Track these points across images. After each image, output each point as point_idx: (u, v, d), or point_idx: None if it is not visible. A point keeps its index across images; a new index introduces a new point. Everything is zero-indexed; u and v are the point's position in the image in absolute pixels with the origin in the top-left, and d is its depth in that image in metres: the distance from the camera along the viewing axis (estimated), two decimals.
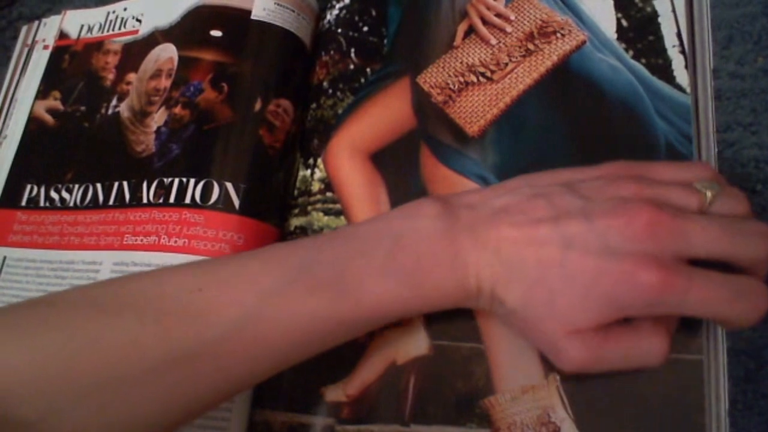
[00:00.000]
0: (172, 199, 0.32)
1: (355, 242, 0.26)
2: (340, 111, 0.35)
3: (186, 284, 0.24)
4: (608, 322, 0.24)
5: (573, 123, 0.32)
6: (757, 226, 0.24)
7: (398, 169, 0.33)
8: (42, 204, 0.36)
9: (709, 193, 0.24)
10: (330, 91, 0.36)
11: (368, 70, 0.36)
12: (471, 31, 0.35)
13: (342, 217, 0.33)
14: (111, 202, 0.34)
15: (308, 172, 0.34)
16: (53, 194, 0.36)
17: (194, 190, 0.31)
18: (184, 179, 0.32)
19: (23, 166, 0.38)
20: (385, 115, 0.34)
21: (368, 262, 0.25)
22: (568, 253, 0.23)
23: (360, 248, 0.25)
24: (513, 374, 0.28)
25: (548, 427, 0.27)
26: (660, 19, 0.33)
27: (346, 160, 0.34)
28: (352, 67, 0.36)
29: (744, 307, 0.23)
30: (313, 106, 0.36)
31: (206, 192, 0.31)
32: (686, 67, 0.31)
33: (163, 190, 0.32)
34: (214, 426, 0.29)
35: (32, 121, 0.39)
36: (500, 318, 0.27)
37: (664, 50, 0.32)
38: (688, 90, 0.31)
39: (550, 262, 0.24)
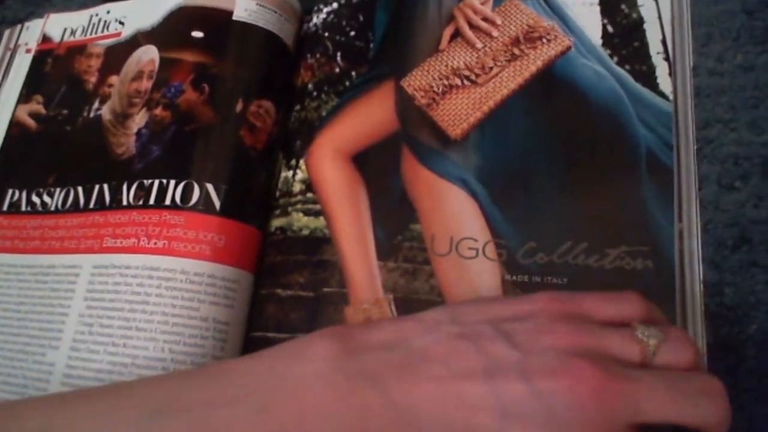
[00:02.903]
0: (152, 201, 0.31)
1: (225, 384, 0.21)
2: (324, 113, 0.35)
3: (31, 424, 0.21)
4: None
5: (556, 128, 0.32)
6: (705, 384, 0.22)
7: (380, 171, 0.33)
8: (23, 209, 0.36)
9: (652, 343, 0.22)
10: (315, 93, 0.36)
11: (353, 73, 0.36)
12: (457, 34, 0.35)
13: (321, 218, 0.33)
14: (92, 205, 0.33)
15: (290, 173, 0.34)
16: (35, 198, 0.36)
17: (174, 191, 0.31)
18: (164, 181, 0.32)
19: (5, 172, 0.38)
20: (368, 117, 0.34)
21: (234, 414, 0.20)
22: (507, 425, 0.20)
23: (229, 394, 0.21)
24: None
25: None
26: (645, 26, 0.33)
27: (327, 161, 0.34)
28: (337, 70, 0.36)
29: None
30: (297, 107, 0.36)
31: (186, 193, 0.31)
32: (670, 74, 0.32)
33: (144, 191, 0.32)
34: None
35: (14, 125, 0.39)
36: None
37: (649, 57, 0.32)
38: (671, 97, 0.31)
39: None
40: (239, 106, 0.33)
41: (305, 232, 0.33)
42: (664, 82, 0.31)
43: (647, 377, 0.21)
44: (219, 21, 0.35)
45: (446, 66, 0.34)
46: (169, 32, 0.36)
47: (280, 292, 0.32)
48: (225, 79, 0.34)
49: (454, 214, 0.31)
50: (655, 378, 0.21)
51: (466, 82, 0.34)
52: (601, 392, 0.20)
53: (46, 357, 0.31)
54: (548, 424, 0.20)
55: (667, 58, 0.32)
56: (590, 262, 0.29)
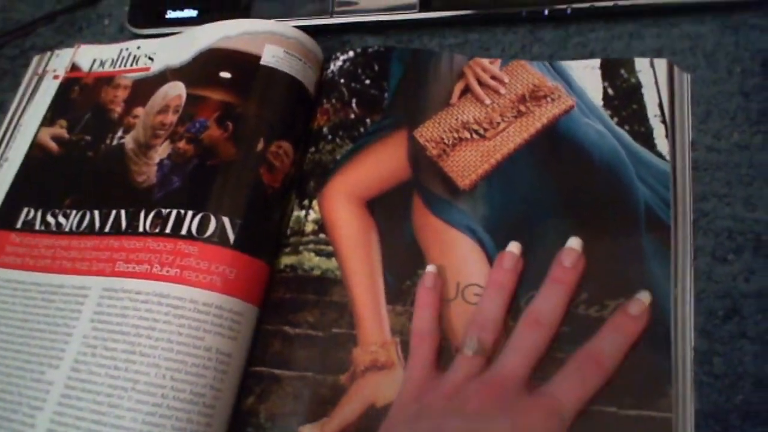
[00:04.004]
0: (168, 230, 0.32)
1: None
2: (338, 156, 0.36)
3: None
4: None
5: (559, 181, 0.33)
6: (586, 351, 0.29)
7: (391, 216, 0.34)
8: (37, 227, 0.36)
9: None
10: (330, 137, 0.37)
11: (368, 120, 0.37)
12: (467, 90, 0.37)
13: (333, 259, 0.34)
14: (107, 229, 0.34)
15: (302, 212, 0.35)
16: (50, 218, 0.36)
17: (191, 222, 0.32)
18: (182, 211, 0.32)
19: (22, 190, 0.38)
20: (381, 163, 0.36)
21: None
22: None
23: None
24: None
25: None
26: (643, 90, 0.35)
27: (341, 204, 0.35)
28: (352, 116, 0.38)
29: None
30: (312, 149, 0.37)
31: (203, 225, 0.32)
32: (666, 136, 0.33)
33: (160, 219, 0.32)
34: None
35: (36, 146, 0.40)
36: None
37: (647, 119, 0.34)
38: (668, 158, 0.33)
39: None
40: (260, 146, 0.34)
41: (317, 272, 0.33)
42: (662, 143, 0.33)
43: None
44: (247, 64, 0.36)
45: (456, 119, 0.36)
46: (197, 71, 0.37)
47: (288, 330, 0.32)
48: (248, 118, 0.35)
49: (461, 260, 0.32)
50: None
51: (475, 135, 0.35)
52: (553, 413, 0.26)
53: (45, 375, 0.31)
54: None
55: (663, 121, 0.34)
56: (591, 312, 0.30)
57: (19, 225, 0.37)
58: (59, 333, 0.32)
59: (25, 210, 0.37)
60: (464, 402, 0.28)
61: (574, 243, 0.31)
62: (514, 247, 0.32)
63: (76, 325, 0.31)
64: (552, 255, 0.31)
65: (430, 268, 0.32)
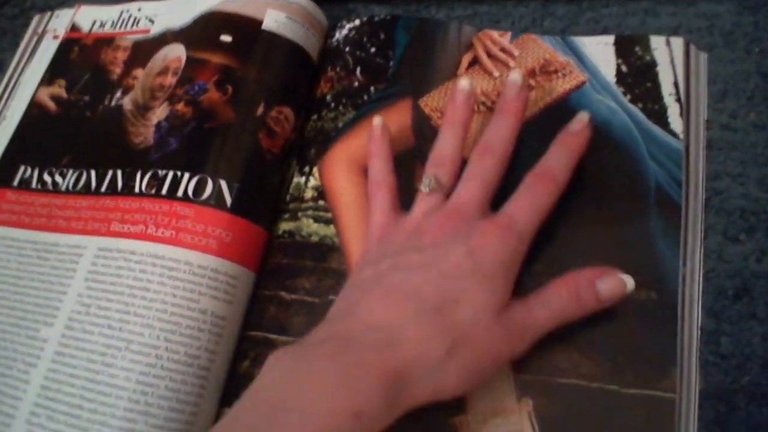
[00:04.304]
0: (164, 191, 0.32)
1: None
2: (340, 124, 0.36)
3: None
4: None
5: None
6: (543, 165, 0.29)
7: None
8: (34, 186, 0.36)
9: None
10: (333, 104, 0.36)
11: (372, 88, 0.36)
12: (475, 62, 0.36)
13: (331, 226, 0.33)
14: (103, 189, 0.34)
15: (302, 179, 0.35)
16: (46, 177, 0.36)
17: (187, 184, 0.31)
18: (179, 173, 0.32)
19: (19, 148, 0.38)
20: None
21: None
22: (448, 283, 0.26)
23: None
24: (485, 395, 0.28)
25: None
26: (658, 68, 0.34)
27: (342, 172, 0.34)
28: (356, 84, 0.37)
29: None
30: (314, 117, 0.37)
31: (199, 187, 0.31)
32: (681, 114, 0.32)
33: (157, 181, 0.32)
34: (180, 419, 0.28)
35: (34, 105, 0.39)
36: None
37: (661, 97, 0.33)
38: (682, 136, 0.32)
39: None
40: (260, 110, 0.34)
41: (315, 238, 0.33)
42: (675, 121, 0.32)
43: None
44: (248, 28, 0.35)
45: None
46: (198, 34, 0.37)
47: (284, 295, 0.32)
48: (249, 82, 0.34)
49: None
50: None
51: (481, 107, 0.34)
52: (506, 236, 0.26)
53: (39, 333, 0.30)
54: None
55: (678, 100, 0.33)
56: None
57: (15, 183, 0.37)
58: (54, 291, 0.31)
59: (22, 168, 0.37)
60: (421, 235, 0.27)
61: (515, 76, 0.31)
62: (464, 83, 0.32)
63: (70, 284, 0.31)
64: (557, 231, 0.30)
65: (377, 120, 0.33)
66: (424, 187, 0.29)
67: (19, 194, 0.36)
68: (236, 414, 0.23)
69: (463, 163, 0.31)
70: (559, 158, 0.29)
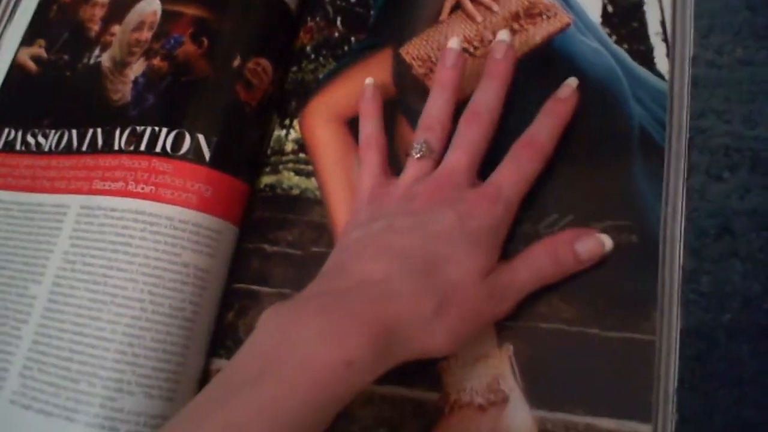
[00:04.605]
0: (143, 147, 0.32)
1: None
2: (320, 76, 0.35)
3: None
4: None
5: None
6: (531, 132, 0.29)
7: None
8: (18, 148, 0.36)
9: None
10: (312, 56, 0.36)
11: (353, 39, 0.36)
12: (458, 7, 0.35)
13: (313, 179, 0.33)
14: (84, 148, 0.34)
15: (283, 132, 0.35)
16: (29, 139, 0.36)
17: (165, 139, 0.31)
18: (156, 128, 0.32)
19: (2, 111, 0.38)
20: (364, 82, 0.34)
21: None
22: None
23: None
24: (468, 342, 0.28)
25: (497, 395, 0.27)
26: (645, 7, 0.33)
27: (322, 124, 0.34)
28: (336, 34, 0.36)
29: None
30: (294, 69, 0.36)
31: (177, 142, 0.32)
32: (668, 55, 0.32)
33: (135, 137, 0.32)
34: (167, 369, 0.29)
35: (15, 67, 0.39)
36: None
37: (647, 37, 0.32)
38: (667, 77, 0.31)
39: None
40: (236, 62, 0.33)
41: (295, 191, 0.33)
42: (661, 62, 0.31)
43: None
44: None
45: (445, 37, 0.35)
46: None
47: (267, 248, 0.32)
48: (224, 34, 0.34)
49: None
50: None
51: (464, 54, 0.34)
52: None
53: (28, 290, 0.31)
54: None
55: (665, 40, 0.32)
56: None
57: (0, 146, 0.37)
58: (41, 250, 0.32)
59: (6, 131, 0.37)
60: (412, 200, 0.28)
61: (503, 35, 0.31)
62: (454, 43, 0.32)
63: (56, 242, 0.32)
64: (545, 174, 0.30)
65: (369, 81, 0.33)
66: (414, 152, 0.30)
67: (4, 157, 0.36)
68: (232, 368, 0.23)
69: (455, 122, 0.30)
70: (545, 127, 0.29)
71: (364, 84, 0.34)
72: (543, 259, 0.27)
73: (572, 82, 0.30)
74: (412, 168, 0.30)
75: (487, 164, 0.29)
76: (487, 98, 0.30)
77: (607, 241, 0.28)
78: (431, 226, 0.26)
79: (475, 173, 0.29)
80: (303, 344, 0.23)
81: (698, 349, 0.29)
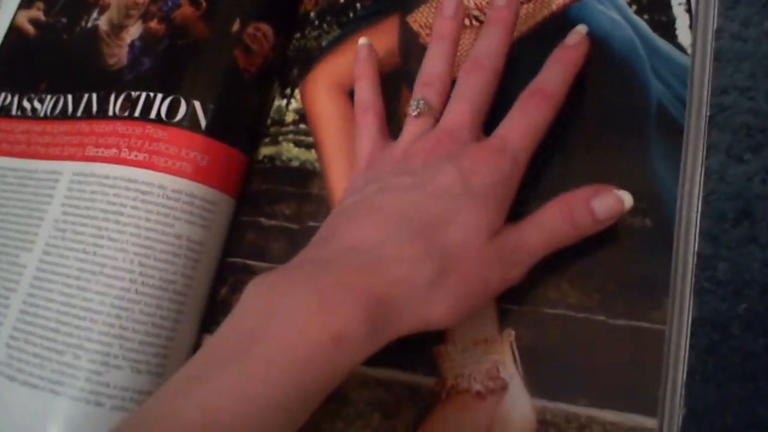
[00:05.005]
0: (137, 113, 0.31)
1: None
2: (324, 43, 0.34)
3: None
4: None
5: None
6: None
7: None
8: (14, 113, 0.36)
9: None
10: (316, 22, 0.35)
11: (358, 5, 0.34)
12: None
13: (313, 151, 0.32)
14: (79, 114, 0.33)
15: (284, 102, 0.33)
16: (26, 103, 0.35)
17: (160, 105, 0.31)
18: (152, 94, 0.31)
19: (0, 75, 0.37)
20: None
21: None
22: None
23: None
24: (467, 325, 0.27)
25: (496, 382, 0.26)
26: None
27: (324, 93, 0.33)
28: (342, 0, 0.35)
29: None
30: (297, 35, 0.35)
31: (173, 108, 0.31)
32: (690, 27, 0.30)
33: (130, 103, 0.31)
34: (156, 343, 0.29)
35: (13, 30, 0.38)
36: None
37: (669, 7, 0.30)
38: (690, 51, 0.29)
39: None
40: (236, 26, 0.32)
41: (295, 163, 0.32)
42: (684, 34, 0.30)
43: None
44: None
45: None
46: None
47: (263, 221, 0.31)
48: None
49: None
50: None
51: (474, 22, 0.32)
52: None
53: (19, 258, 0.31)
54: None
55: (689, 10, 0.30)
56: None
57: None
58: (33, 217, 0.32)
59: (3, 95, 0.37)
60: (410, 159, 0.26)
61: None
62: None
63: (48, 210, 0.31)
64: (551, 151, 0.29)
65: (363, 41, 0.32)
66: (411, 110, 0.28)
67: (0, 121, 0.36)
68: (212, 343, 0.22)
69: (454, 81, 0.29)
70: (555, 75, 0.27)
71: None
72: (556, 219, 0.25)
73: (581, 28, 0.28)
74: (411, 126, 0.28)
75: (492, 123, 0.28)
76: (490, 46, 0.28)
77: (627, 198, 0.25)
78: (430, 184, 0.24)
79: (480, 128, 0.27)
80: (287, 318, 0.21)
81: (711, 339, 0.27)
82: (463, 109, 0.27)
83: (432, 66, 0.29)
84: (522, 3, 0.32)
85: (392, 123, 0.31)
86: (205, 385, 0.20)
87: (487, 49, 0.28)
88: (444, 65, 0.29)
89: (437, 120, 0.28)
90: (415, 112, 0.28)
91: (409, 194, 0.24)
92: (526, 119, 0.26)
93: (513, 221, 0.25)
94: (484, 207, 0.24)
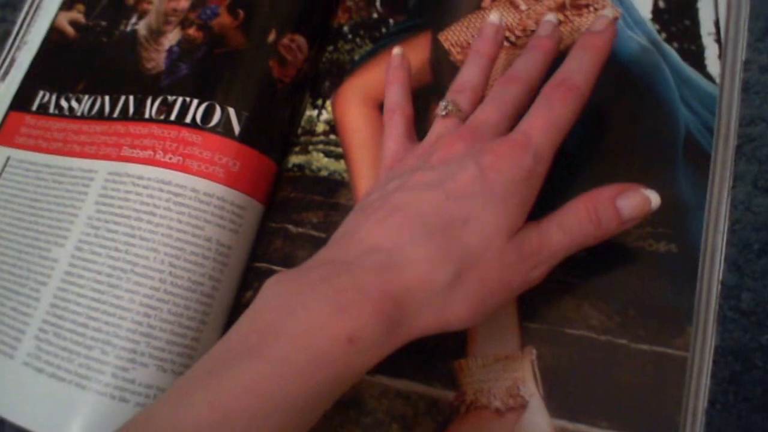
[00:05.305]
0: (173, 117, 0.31)
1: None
2: (356, 57, 0.35)
3: None
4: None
5: (593, 98, 0.30)
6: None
7: None
8: (51, 111, 0.36)
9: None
10: (349, 36, 0.35)
11: (391, 20, 0.35)
12: None
13: (342, 161, 0.32)
14: (115, 115, 0.34)
15: (315, 112, 0.34)
16: (63, 102, 0.36)
17: (196, 110, 0.31)
18: (188, 99, 0.32)
19: (39, 73, 0.38)
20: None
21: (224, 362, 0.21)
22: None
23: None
24: (488, 340, 0.27)
25: (515, 400, 0.26)
26: (699, 5, 0.31)
27: (354, 106, 0.33)
28: (375, 15, 0.35)
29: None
30: (330, 48, 0.35)
31: (208, 114, 0.31)
32: (720, 57, 0.30)
33: (166, 107, 0.32)
34: (182, 343, 0.29)
35: (54, 30, 0.39)
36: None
37: (699, 37, 0.31)
38: (718, 80, 0.30)
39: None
40: (272, 37, 0.33)
41: (324, 173, 0.32)
42: (713, 64, 0.30)
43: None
44: None
45: None
46: None
47: (291, 228, 0.32)
48: (261, 7, 0.33)
49: None
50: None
51: (505, 43, 0.33)
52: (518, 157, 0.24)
53: (51, 253, 0.31)
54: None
55: (718, 40, 0.30)
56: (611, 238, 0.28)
57: (34, 108, 0.37)
58: (66, 213, 0.32)
59: (41, 93, 0.37)
60: (432, 155, 0.25)
61: (550, 17, 0.29)
62: (495, 17, 0.30)
63: (81, 207, 0.32)
64: (575, 174, 0.29)
65: (396, 50, 0.31)
66: (440, 110, 0.27)
67: (38, 119, 0.36)
68: (227, 339, 0.22)
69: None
70: (580, 64, 0.26)
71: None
72: (580, 218, 0.24)
73: (609, 12, 0.27)
74: (438, 126, 0.27)
75: None
76: (528, 66, 0.27)
77: (653, 197, 0.24)
78: (449, 181, 0.23)
79: (505, 132, 0.26)
80: (302, 317, 0.21)
81: (733, 370, 0.27)
82: (492, 110, 0.26)
83: (466, 76, 0.29)
84: None
85: (421, 137, 0.31)
86: (218, 382, 0.20)
87: (525, 68, 0.27)
88: (478, 77, 0.28)
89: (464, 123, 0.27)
90: (444, 113, 0.27)
91: (428, 193, 0.24)
92: (551, 112, 0.25)
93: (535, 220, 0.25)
94: (504, 205, 0.23)
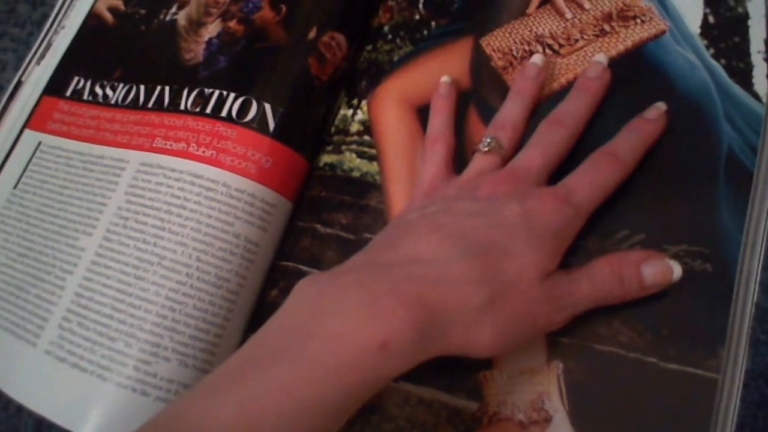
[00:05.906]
0: (209, 110, 0.31)
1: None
2: (395, 58, 0.34)
3: None
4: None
5: (634, 112, 0.30)
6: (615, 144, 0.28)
7: None
8: (85, 97, 0.36)
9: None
10: (390, 36, 0.35)
11: (433, 23, 0.34)
12: (547, 1, 0.34)
13: (374, 163, 0.32)
14: (150, 105, 0.34)
15: (349, 111, 0.34)
16: (98, 89, 0.36)
17: (232, 104, 0.31)
18: (224, 92, 0.31)
19: (75, 59, 0.38)
20: (440, 70, 0.33)
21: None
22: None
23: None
24: (515, 353, 0.27)
25: (540, 414, 0.26)
26: (750, 22, 0.31)
27: (391, 108, 0.33)
28: (417, 17, 0.35)
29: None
30: (369, 47, 0.35)
31: (244, 109, 0.31)
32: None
33: (202, 99, 0.32)
34: (205, 339, 0.29)
35: (92, 16, 0.39)
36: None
37: (748, 54, 0.30)
38: (765, 100, 0.29)
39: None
40: (312, 34, 0.32)
41: (355, 173, 0.32)
42: (760, 83, 0.29)
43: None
44: None
45: (530, 31, 0.33)
46: None
47: (320, 228, 0.32)
48: (304, 3, 0.33)
49: None
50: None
51: (548, 51, 0.32)
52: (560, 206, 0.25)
53: (78, 242, 0.31)
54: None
55: (767, 59, 0.30)
56: None
57: (68, 93, 0.37)
58: (95, 202, 0.32)
59: (76, 79, 0.37)
60: (475, 189, 0.26)
61: (600, 58, 0.30)
62: (537, 59, 0.31)
63: (111, 196, 0.31)
64: (624, 188, 0.28)
65: (445, 79, 0.32)
66: (482, 146, 0.28)
67: (71, 105, 0.36)
68: (258, 339, 0.22)
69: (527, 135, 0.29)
70: (628, 142, 0.27)
71: (439, 72, 0.32)
72: (606, 275, 0.25)
73: (661, 105, 0.29)
74: (478, 161, 0.28)
75: (555, 178, 0.28)
76: (572, 108, 0.28)
77: (676, 269, 0.25)
78: (494, 214, 0.24)
79: (546, 178, 0.27)
80: (335, 320, 0.21)
81: (763, 394, 0.27)
82: (536, 155, 0.27)
83: (507, 113, 0.29)
84: (597, 36, 0.32)
85: (457, 145, 0.31)
86: (247, 382, 0.20)
87: (571, 110, 0.28)
88: (518, 116, 0.29)
89: (504, 161, 0.28)
90: (486, 148, 0.28)
91: (471, 219, 0.24)
92: (596, 174, 0.26)
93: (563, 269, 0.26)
94: (541, 246, 0.24)
